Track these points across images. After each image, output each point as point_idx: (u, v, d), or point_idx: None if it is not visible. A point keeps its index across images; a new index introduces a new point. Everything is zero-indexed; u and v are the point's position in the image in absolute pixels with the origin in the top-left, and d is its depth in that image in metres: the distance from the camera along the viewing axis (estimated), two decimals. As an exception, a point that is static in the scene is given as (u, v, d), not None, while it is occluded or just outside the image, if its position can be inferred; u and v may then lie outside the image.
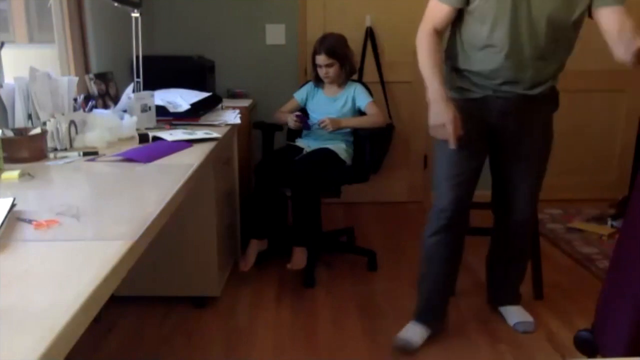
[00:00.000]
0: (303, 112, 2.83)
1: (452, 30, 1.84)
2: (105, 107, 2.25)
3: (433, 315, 2.03)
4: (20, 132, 1.58)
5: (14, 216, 1.03)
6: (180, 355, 1.96)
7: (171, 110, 2.27)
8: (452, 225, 1.90)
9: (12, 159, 1.49)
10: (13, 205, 1.04)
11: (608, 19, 1.63)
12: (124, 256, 0.87)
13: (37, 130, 1.59)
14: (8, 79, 1.83)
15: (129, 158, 1.57)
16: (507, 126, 1.87)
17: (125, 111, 2.12)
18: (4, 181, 1.31)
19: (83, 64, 2.38)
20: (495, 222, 2.11)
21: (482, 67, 1.78)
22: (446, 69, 1.89)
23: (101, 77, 2.34)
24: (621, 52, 1.60)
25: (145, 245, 0.99)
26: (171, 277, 2.25)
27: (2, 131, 1.54)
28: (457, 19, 1.78)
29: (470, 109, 1.82)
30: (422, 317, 2.02)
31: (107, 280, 0.79)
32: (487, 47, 1.73)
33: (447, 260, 1.97)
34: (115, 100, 2.35)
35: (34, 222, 1.00)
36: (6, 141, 1.50)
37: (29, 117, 1.76)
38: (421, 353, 1.96)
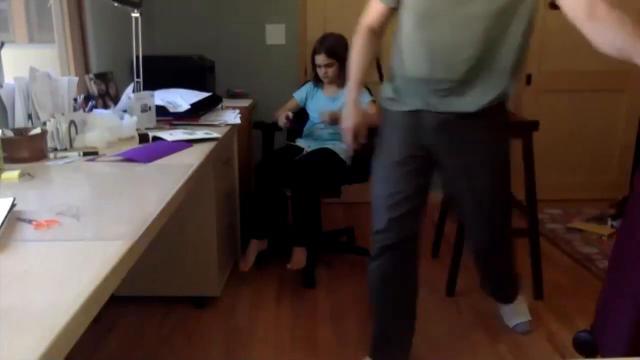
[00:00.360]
0: (302, 112, 2.83)
1: (396, 31, 1.67)
2: (105, 107, 2.25)
3: (389, 349, 1.80)
4: (20, 132, 1.58)
5: (14, 216, 1.03)
6: (180, 355, 1.96)
7: (171, 110, 2.27)
8: (394, 249, 1.68)
9: (12, 159, 1.49)
10: (13, 205, 1.04)
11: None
12: (124, 256, 0.87)
13: (37, 130, 1.59)
14: (8, 79, 1.83)
15: (129, 158, 1.57)
16: (444, 150, 1.66)
17: (125, 111, 2.12)
18: (4, 181, 1.31)
19: (83, 64, 2.38)
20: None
21: (413, 72, 1.57)
22: (386, 78, 1.75)
23: (101, 77, 2.34)
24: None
25: (145, 245, 0.99)
26: (171, 277, 2.25)
27: (2, 131, 1.54)
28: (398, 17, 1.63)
29: (403, 123, 1.65)
30: (377, 352, 1.81)
31: (107, 280, 0.79)
32: (418, 49, 1.53)
33: (393, 286, 1.73)
34: (115, 100, 2.35)
35: (34, 222, 1.00)
36: (6, 141, 1.50)
37: (29, 117, 1.76)
38: (421, 353, 1.96)
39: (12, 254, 0.87)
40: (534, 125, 2.32)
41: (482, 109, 1.55)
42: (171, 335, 2.09)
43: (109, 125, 1.85)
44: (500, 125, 1.67)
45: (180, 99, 2.38)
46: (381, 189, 1.69)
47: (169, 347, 2.00)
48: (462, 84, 1.52)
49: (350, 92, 1.68)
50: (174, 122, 2.23)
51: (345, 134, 1.67)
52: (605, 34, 1.29)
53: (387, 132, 1.70)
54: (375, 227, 1.71)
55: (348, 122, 1.66)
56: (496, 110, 1.60)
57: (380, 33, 1.68)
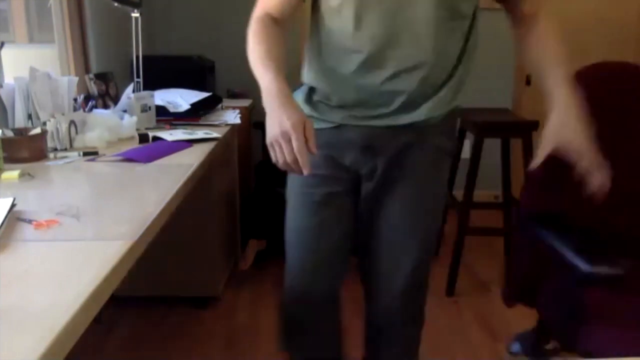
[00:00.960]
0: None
1: (311, 30, 1.29)
2: (105, 107, 2.25)
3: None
4: (20, 132, 1.58)
5: (14, 216, 1.03)
6: (180, 355, 1.96)
7: (171, 110, 2.27)
8: (310, 305, 1.32)
9: (12, 159, 1.49)
10: (13, 205, 1.04)
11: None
12: (124, 256, 0.87)
13: (37, 130, 1.59)
14: (8, 79, 1.83)
15: (129, 158, 1.57)
16: (371, 171, 1.26)
17: (125, 111, 2.12)
18: (4, 181, 1.31)
19: (83, 64, 2.38)
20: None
21: (340, 82, 1.21)
22: (300, 87, 1.34)
23: (101, 77, 2.34)
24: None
25: (145, 245, 0.99)
26: (171, 277, 2.25)
27: (2, 131, 1.54)
28: (315, 11, 1.24)
29: (323, 143, 1.18)
30: None
31: (107, 280, 0.79)
32: (353, 53, 1.16)
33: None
34: (115, 100, 2.35)
35: (34, 222, 1.00)
36: (6, 141, 1.50)
37: (29, 117, 1.76)
38: (421, 353, 1.96)
39: (12, 254, 0.87)
40: (533, 125, 2.32)
41: (425, 122, 1.21)
42: (171, 335, 2.09)
43: (109, 125, 1.85)
44: (444, 133, 1.27)
45: (180, 99, 2.38)
46: (299, 219, 1.31)
47: (169, 347, 2.00)
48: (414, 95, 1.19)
49: (274, 82, 1.05)
50: (174, 122, 2.23)
51: (293, 137, 0.97)
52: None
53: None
54: (290, 272, 1.34)
55: (288, 120, 0.98)
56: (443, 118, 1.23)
57: (283, 24, 1.24)
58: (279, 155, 1.02)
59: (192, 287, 2.26)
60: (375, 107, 1.20)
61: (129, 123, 1.94)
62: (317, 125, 1.21)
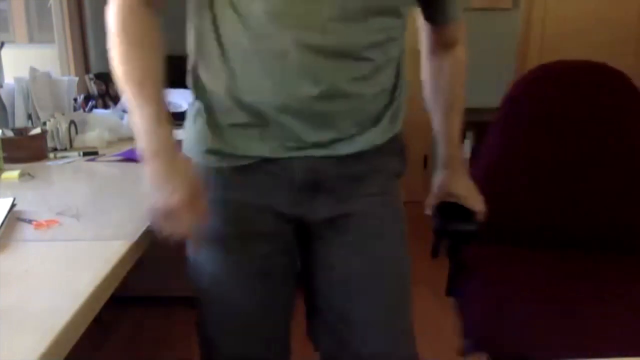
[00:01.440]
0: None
1: (198, 25, 1.01)
2: (105, 107, 2.25)
3: None
4: (20, 132, 1.58)
5: (14, 216, 1.03)
6: (180, 355, 1.96)
7: (171, 110, 2.27)
8: None
9: (12, 159, 1.49)
10: (13, 205, 1.04)
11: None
12: (124, 256, 0.87)
13: (37, 130, 1.59)
14: (8, 79, 1.83)
15: (129, 158, 1.57)
16: (314, 215, 0.96)
17: (125, 111, 2.12)
18: (4, 181, 1.31)
19: (83, 64, 2.38)
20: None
21: (259, 90, 0.88)
22: (190, 110, 1.04)
23: (101, 77, 2.34)
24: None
25: (145, 245, 0.99)
26: (171, 277, 2.25)
27: (2, 131, 1.54)
28: None
29: (244, 187, 0.94)
30: None
31: (107, 280, 0.79)
32: (265, 49, 0.86)
33: None
34: (116, 100, 2.35)
35: (34, 222, 1.00)
36: (6, 141, 1.50)
37: (29, 117, 1.76)
38: (421, 353, 1.96)
39: (12, 254, 0.87)
40: (534, 125, 2.32)
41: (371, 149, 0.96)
42: (171, 335, 2.09)
43: (109, 125, 1.85)
44: (393, 154, 1.04)
45: (180, 99, 2.38)
46: (218, 311, 1.01)
47: (169, 348, 2.00)
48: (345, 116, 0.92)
49: (154, 121, 0.88)
50: (174, 122, 2.23)
51: (179, 207, 0.82)
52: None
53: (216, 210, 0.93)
54: None
55: (169, 198, 0.82)
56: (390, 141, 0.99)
57: (157, 10, 0.97)
58: (163, 230, 0.83)
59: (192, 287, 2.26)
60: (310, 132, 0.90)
61: (129, 123, 1.94)
62: (233, 163, 0.92)
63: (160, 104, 0.87)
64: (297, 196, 0.94)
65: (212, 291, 1.00)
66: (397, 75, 0.98)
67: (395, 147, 1.01)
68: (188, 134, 1.01)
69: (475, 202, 1.18)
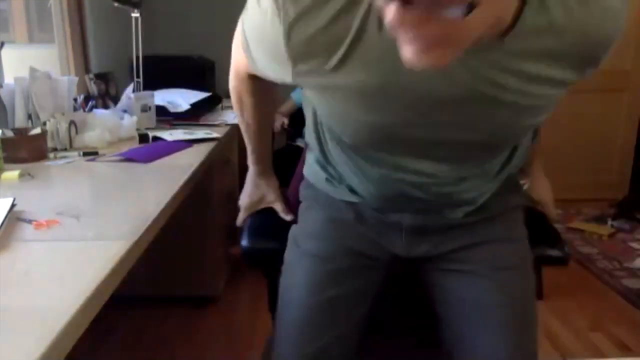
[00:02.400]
0: (301, 112, 2.83)
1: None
2: (105, 107, 2.25)
3: None
4: (20, 132, 1.58)
5: (14, 216, 1.03)
6: (180, 355, 1.96)
7: (171, 110, 2.27)
8: None
9: (12, 159, 1.49)
10: (13, 205, 1.04)
11: None
12: (124, 256, 0.87)
13: (37, 130, 1.59)
14: (8, 79, 1.83)
15: (129, 158, 1.57)
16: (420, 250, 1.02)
17: (125, 111, 2.12)
18: (4, 181, 1.31)
19: (83, 64, 2.38)
20: None
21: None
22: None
23: (101, 77, 2.34)
24: None
25: (145, 245, 0.99)
26: (171, 277, 2.25)
27: (2, 131, 1.54)
28: None
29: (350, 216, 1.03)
30: None
31: (107, 280, 0.79)
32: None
33: None
34: (115, 100, 2.35)
35: (34, 222, 1.00)
36: (6, 141, 1.50)
37: (29, 117, 1.76)
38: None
39: (12, 254, 0.87)
40: (534, 125, 2.32)
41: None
42: (171, 335, 2.09)
43: (109, 125, 1.85)
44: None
45: (180, 99, 2.38)
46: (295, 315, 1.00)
47: (169, 347, 2.00)
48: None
49: (251, 164, 1.33)
50: (174, 122, 2.23)
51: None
52: None
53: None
54: None
55: (241, 198, 1.32)
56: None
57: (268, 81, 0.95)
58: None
59: (192, 287, 2.26)
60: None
61: (129, 123, 1.94)
62: (345, 197, 1.03)
63: (259, 158, 1.32)
64: (402, 238, 1.01)
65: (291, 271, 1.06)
66: (511, 154, 0.97)
67: (510, 183, 1.02)
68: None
69: (551, 208, 1.24)
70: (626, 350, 1.99)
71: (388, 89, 0.73)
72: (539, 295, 1.21)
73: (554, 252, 1.08)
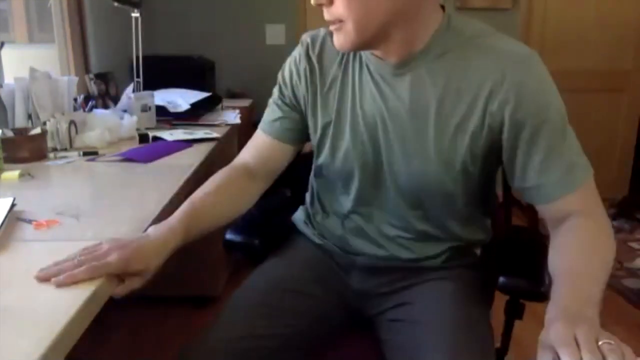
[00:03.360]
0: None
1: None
2: (105, 107, 2.25)
3: None
4: (20, 132, 1.58)
5: (14, 216, 1.03)
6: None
7: (171, 110, 2.27)
8: None
9: (12, 159, 1.49)
10: (13, 205, 1.04)
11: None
12: (124, 256, 0.87)
13: (37, 130, 1.59)
14: (8, 79, 1.83)
15: (129, 158, 1.57)
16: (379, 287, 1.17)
17: (125, 111, 2.12)
18: (4, 181, 1.31)
19: (83, 64, 2.38)
20: None
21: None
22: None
23: (101, 77, 2.34)
24: None
25: (145, 245, 0.99)
26: (171, 277, 2.25)
27: (2, 131, 1.54)
28: None
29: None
30: None
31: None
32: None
33: None
34: (115, 100, 2.35)
35: (34, 222, 1.00)
36: (6, 141, 1.50)
37: (29, 117, 1.76)
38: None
39: (12, 254, 0.87)
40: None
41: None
42: (171, 335, 2.09)
43: (109, 125, 1.85)
44: None
45: (180, 99, 2.38)
46: None
47: (169, 347, 2.00)
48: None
49: (160, 225, 0.95)
50: (174, 122, 2.23)
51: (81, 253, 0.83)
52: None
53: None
54: None
55: (103, 244, 0.85)
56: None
57: (260, 176, 1.18)
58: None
59: (192, 287, 2.26)
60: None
61: (129, 123, 1.94)
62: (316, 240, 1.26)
63: (178, 224, 0.96)
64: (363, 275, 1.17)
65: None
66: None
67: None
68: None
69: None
70: (626, 350, 1.98)
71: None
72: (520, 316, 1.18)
73: (532, 287, 1.04)
